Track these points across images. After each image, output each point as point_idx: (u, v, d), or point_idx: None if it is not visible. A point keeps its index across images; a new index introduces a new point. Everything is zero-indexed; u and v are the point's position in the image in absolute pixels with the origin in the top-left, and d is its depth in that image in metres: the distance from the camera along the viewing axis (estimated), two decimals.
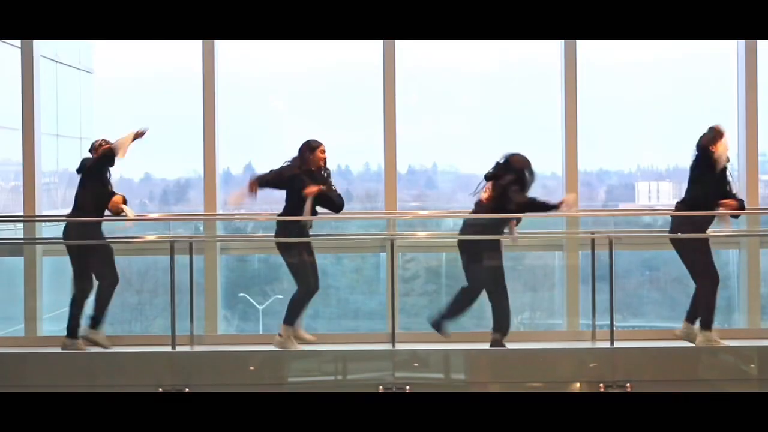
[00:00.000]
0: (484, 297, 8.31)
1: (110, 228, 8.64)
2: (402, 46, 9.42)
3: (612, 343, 8.29)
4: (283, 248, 8.33)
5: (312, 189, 8.14)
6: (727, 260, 9.73)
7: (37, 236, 9.26)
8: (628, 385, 7.91)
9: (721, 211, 8.14)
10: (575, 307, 9.27)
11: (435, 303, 9.50)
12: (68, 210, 8.43)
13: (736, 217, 8.23)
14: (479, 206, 8.28)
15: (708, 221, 8.22)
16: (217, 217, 9.41)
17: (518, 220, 8.31)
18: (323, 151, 8.35)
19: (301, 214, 8.19)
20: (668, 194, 10.38)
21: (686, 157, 8.45)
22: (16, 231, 9.51)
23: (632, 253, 9.38)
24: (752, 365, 8.19)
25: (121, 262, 8.65)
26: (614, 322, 8.34)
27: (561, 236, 9.47)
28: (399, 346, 8.35)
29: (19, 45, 9.42)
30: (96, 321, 8.43)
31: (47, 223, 9.38)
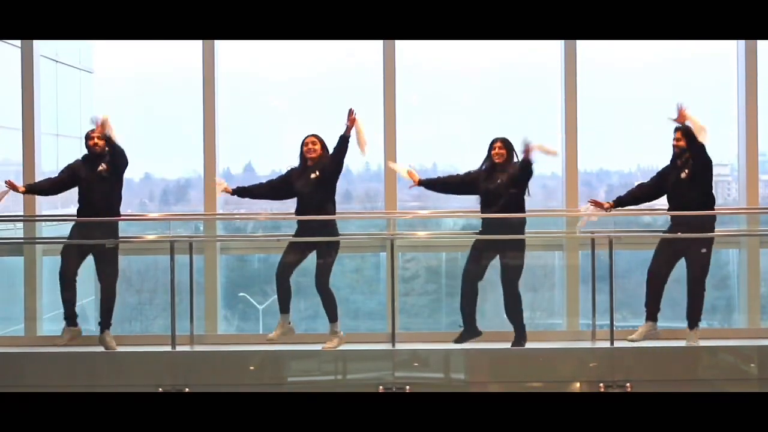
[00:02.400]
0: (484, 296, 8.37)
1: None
2: (402, 46, 9.43)
3: (612, 343, 8.30)
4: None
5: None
6: (727, 260, 9.74)
7: (37, 236, 9.27)
8: (628, 384, 7.93)
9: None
10: (575, 307, 9.28)
11: (435, 303, 9.52)
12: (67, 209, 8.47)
13: None
14: None
15: None
16: (217, 216, 9.42)
17: None
18: (306, 144, 8.32)
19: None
20: None
21: None
22: (16, 231, 9.52)
23: (632, 253, 9.39)
24: (752, 365, 8.21)
25: (120, 261, 8.67)
26: (614, 322, 8.36)
27: (561, 236, 9.48)
28: (399, 346, 8.35)
29: (20, 45, 9.43)
30: (106, 322, 8.46)
31: (47, 222, 9.40)
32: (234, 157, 9.89)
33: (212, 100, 9.48)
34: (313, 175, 8.25)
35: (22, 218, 9.34)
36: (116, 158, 8.30)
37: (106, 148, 8.28)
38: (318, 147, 8.28)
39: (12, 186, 8.31)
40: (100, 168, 8.32)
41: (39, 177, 9.03)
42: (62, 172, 8.50)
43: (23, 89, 9.43)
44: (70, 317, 8.46)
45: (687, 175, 8.25)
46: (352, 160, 10.17)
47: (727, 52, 9.64)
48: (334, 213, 8.35)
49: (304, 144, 8.31)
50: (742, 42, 9.49)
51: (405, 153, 9.51)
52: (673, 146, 8.32)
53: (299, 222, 8.33)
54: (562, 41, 9.43)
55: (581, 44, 9.42)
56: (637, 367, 8.08)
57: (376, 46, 9.47)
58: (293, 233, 8.41)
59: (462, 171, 8.48)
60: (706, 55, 9.74)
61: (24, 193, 8.53)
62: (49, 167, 9.72)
